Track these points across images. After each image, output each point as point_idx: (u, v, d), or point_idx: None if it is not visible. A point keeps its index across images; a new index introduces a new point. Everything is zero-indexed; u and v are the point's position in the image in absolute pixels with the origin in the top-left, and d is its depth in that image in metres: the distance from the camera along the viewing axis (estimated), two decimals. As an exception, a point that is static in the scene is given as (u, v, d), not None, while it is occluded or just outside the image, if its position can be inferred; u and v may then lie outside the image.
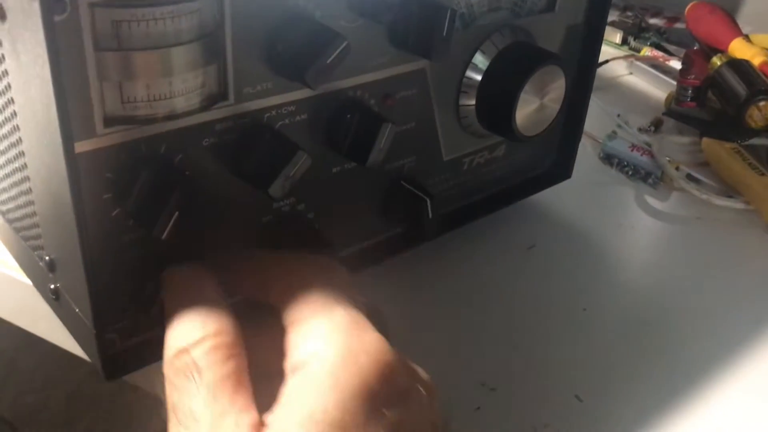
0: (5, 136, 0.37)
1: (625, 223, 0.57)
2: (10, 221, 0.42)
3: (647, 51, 0.83)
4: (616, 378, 0.43)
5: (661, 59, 0.81)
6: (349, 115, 0.40)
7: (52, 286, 0.38)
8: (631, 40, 0.86)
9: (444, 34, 0.39)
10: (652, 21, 0.89)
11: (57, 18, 0.28)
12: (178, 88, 0.33)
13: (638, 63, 0.80)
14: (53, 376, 1.38)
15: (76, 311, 0.36)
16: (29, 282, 0.43)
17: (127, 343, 0.37)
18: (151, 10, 0.31)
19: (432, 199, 0.44)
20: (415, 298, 0.47)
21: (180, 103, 0.33)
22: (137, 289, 0.36)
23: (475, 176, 0.51)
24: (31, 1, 0.28)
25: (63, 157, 0.30)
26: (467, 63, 0.45)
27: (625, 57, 0.81)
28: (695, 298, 0.49)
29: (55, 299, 0.38)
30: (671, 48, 0.84)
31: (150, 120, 0.33)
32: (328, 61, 0.35)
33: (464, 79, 0.45)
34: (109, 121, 0.32)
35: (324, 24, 0.36)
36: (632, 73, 0.81)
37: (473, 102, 0.46)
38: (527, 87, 0.44)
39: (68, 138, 0.30)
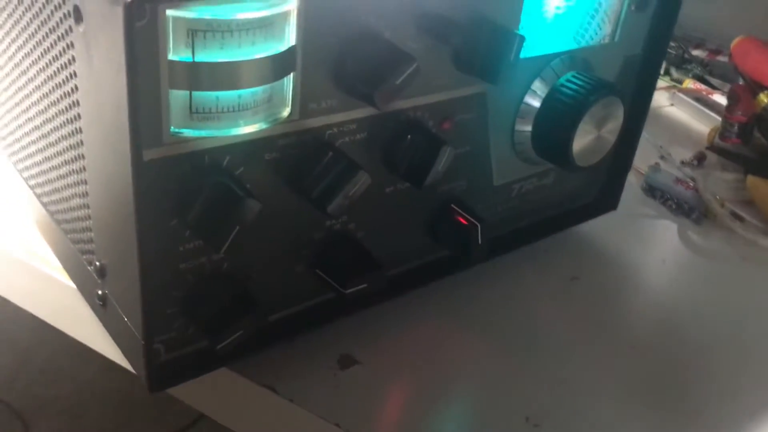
0: (65, 137, 0.37)
1: (669, 260, 0.56)
2: (58, 222, 0.41)
3: (689, 83, 0.82)
4: (655, 417, 0.42)
5: (704, 92, 0.80)
6: (408, 137, 0.39)
7: (100, 292, 0.37)
8: (673, 70, 0.85)
9: (511, 59, 0.38)
10: (695, 52, 0.89)
11: (137, 24, 0.28)
12: (247, 101, 0.32)
13: (680, 95, 0.79)
14: (65, 370, 1.37)
15: (124, 320, 0.36)
16: (71, 284, 0.43)
17: (172, 355, 0.36)
18: (227, 21, 0.30)
19: (483, 224, 0.43)
20: (457, 325, 0.46)
21: (247, 116, 0.33)
22: (189, 300, 0.35)
23: (523, 203, 0.50)
24: (112, 6, 0.28)
25: (130, 164, 0.30)
26: (526, 89, 0.44)
27: (667, 88, 0.80)
28: (736, 343, 0.48)
29: (101, 305, 0.38)
30: (714, 81, 0.83)
31: (216, 131, 0.32)
32: (398, 83, 0.34)
33: (522, 105, 0.45)
34: (176, 131, 0.31)
35: (394, 44, 0.35)
36: (674, 105, 0.80)
37: (529, 128, 0.45)
38: (586, 117, 0.43)
39: (137, 145, 0.30)
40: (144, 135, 0.30)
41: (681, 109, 0.79)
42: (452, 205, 0.44)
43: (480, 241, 0.44)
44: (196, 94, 0.31)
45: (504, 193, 0.48)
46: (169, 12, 0.29)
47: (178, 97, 0.31)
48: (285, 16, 0.32)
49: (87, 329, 0.42)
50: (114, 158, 0.31)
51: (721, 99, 0.78)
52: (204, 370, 0.38)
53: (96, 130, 0.33)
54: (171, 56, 0.30)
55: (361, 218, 0.41)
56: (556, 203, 0.53)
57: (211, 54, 0.30)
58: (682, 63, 0.86)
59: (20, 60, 0.40)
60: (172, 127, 0.31)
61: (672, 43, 0.88)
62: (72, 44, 0.32)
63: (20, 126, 0.43)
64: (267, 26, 0.31)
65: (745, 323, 0.50)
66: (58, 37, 0.33)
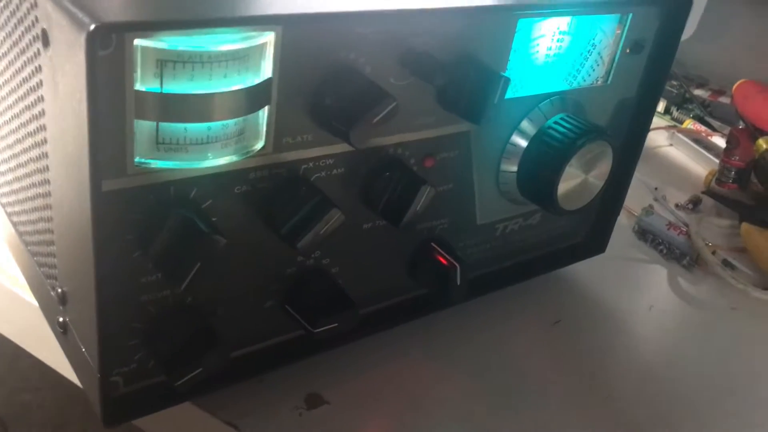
0: (33, 160, 0.36)
1: (656, 306, 0.54)
2: (26, 243, 0.41)
3: (690, 123, 0.81)
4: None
5: (703, 134, 0.79)
6: (387, 174, 0.38)
7: (61, 319, 0.36)
8: (673, 109, 0.84)
9: (496, 100, 0.37)
10: (697, 92, 0.88)
11: (101, 53, 0.27)
12: (217, 133, 0.31)
13: (680, 135, 0.78)
14: (50, 377, 1.36)
15: (82, 349, 0.34)
16: (35, 303, 0.42)
17: (130, 388, 0.35)
18: (198, 52, 0.29)
19: (462, 265, 0.42)
20: (433, 366, 0.45)
21: (216, 148, 0.32)
22: (149, 333, 0.34)
23: (507, 243, 0.49)
24: (77, 34, 0.27)
25: (89, 194, 0.29)
26: (513, 128, 0.43)
27: (667, 128, 0.79)
28: (723, 396, 0.47)
29: (62, 332, 0.37)
30: (714, 123, 0.82)
31: (183, 163, 0.31)
32: (374, 121, 0.33)
33: (508, 145, 0.44)
34: (141, 162, 0.30)
35: (373, 81, 0.34)
36: (673, 145, 0.79)
37: (515, 168, 0.44)
38: (573, 161, 0.42)
39: (97, 175, 0.29)
40: (106, 165, 0.29)
41: (680, 149, 0.78)
42: (432, 243, 0.43)
43: (459, 283, 0.42)
44: (163, 125, 0.30)
45: (487, 233, 0.47)
46: (138, 42, 0.28)
47: (144, 127, 0.30)
48: (261, 48, 0.31)
49: (52, 351, 0.41)
50: (75, 187, 0.30)
51: (720, 141, 0.77)
52: (164, 405, 0.36)
53: (60, 156, 0.32)
54: (138, 86, 0.29)
55: (336, 254, 0.40)
56: (541, 244, 0.51)
57: (180, 85, 0.29)
58: (683, 102, 0.85)
59: (-5, 77, 0.39)
60: (137, 158, 0.30)
61: (674, 82, 0.87)
62: (40, 68, 0.31)
63: (-6, 142, 0.42)
64: (241, 58, 0.30)
65: (730, 374, 0.49)
66: (28, 59, 0.33)
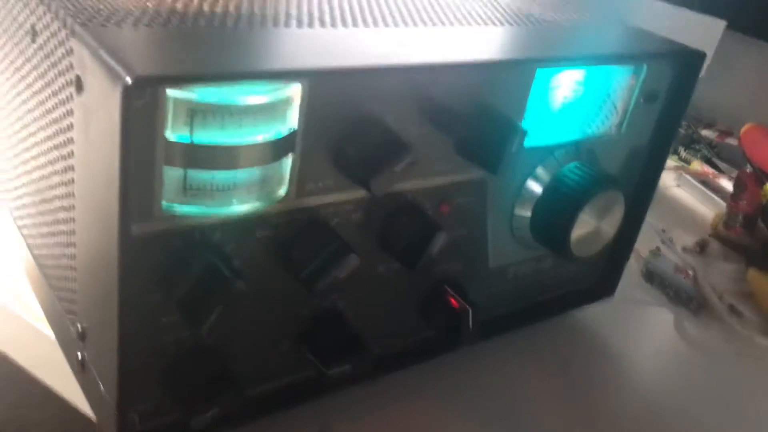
0: (59, 198, 0.36)
1: (664, 351, 0.55)
2: (47, 276, 0.41)
3: (697, 164, 0.82)
4: None
5: (711, 176, 0.80)
6: (404, 219, 0.39)
7: (80, 355, 0.37)
8: (681, 149, 0.85)
9: (513, 151, 0.38)
10: (704, 132, 0.89)
11: (135, 103, 0.28)
12: (243, 180, 0.32)
13: (687, 176, 0.79)
14: (53, 393, 1.36)
15: (100, 386, 0.35)
16: (51, 334, 0.42)
17: (147, 426, 0.36)
18: (228, 105, 0.30)
19: (474, 308, 0.43)
20: (443, 407, 0.45)
21: (241, 195, 0.32)
22: (167, 372, 0.35)
23: (518, 286, 0.50)
24: (113, 84, 0.27)
25: (116, 237, 0.30)
26: (528, 175, 0.44)
27: (674, 168, 0.80)
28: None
29: (80, 368, 0.37)
30: (722, 164, 0.83)
31: (209, 209, 0.32)
32: (395, 171, 0.34)
33: (523, 191, 0.44)
34: (168, 206, 0.31)
35: (394, 132, 0.35)
36: (680, 186, 0.80)
37: (529, 214, 0.45)
38: (587, 209, 0.43)
39: (125, 219, 0.30)
40: (134, 209, 0.30)
41: (687, 191, 0.79)
42: (445, 286, 0.44)
43: (471, 326, 0.43)
44: (191, 171, 0.31)
45: (499, 276, 0.48)
46: (170, 92, 0.29)
47: (172, 173, 0.31)
48: (288, 100, 0.32)
49: (67, 383, 0.41)
50: (102, 229, 0.31)
51: (727, 183, 0.78)
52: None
53: (88, 197, 0.33)
54: (168, 135, 0.30)
55: (351, 295, 0.40)
56: (552, 287, 0.52)
57: (210, 135, 0.30)
58: (691, 143, 0.86)
59: (23, 114, 0.40)
60: (164, 202, 0.31)
61: (682, 122, 0.88)
62: (72, 111, 0.32)
63: (19, 176, 0.43)
64: (269, 110, 0.31)
65: (735, 420, 0.49)
66: (60, 101, 0.33)
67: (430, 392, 0.46)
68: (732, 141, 0.86)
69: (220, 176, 0.31)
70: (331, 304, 0.40)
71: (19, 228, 0.45)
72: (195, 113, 0.30)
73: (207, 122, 0.30)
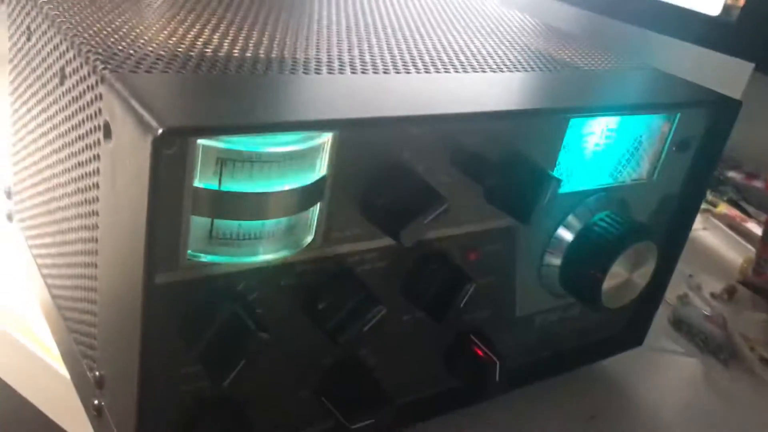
0: (80, 241, 0.36)
1: (693, 405, 0.53)
2: (65, 318, 0.40)
3: (724, 208, 0.81)
4: None
5: (737, 219, 0.79)
6: (431, 268, 0.38)
7: (96, 402, 0.36)
8: (707, 192, 0.84)
9: (545, 202, 0.37)
10: (731, 174, 0.87)
11: (165, 152, 0.27)
12: (270, 230, 0.31)
13: (714, 220, 0.78)
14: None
15: (117, 438, 0.34)
16: (66, 374, 0.41)
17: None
18: (258, 153, 0.29)
19: (502, 361, 0.41)
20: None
21: (268, 244, 0.32)
22: (185, 425, 0.34)
23: (544, 334, 0.48)
24: (143, 134, 0.27)
25: (141, 287, 0.29)
26: (559, 222, 0.43)
27: (701, 211, 0.79)
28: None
29: (96, 416, 0.36)
30: (749, 209, 0.81)
31: (235, 258, 0.31)
32: (426, 221, 0.33)
33: (552, 239, 0.43)
34: (194, 255, 0.30)
35: (425, 181, 0.34)
36: (706, 229, 0.78)
37: (558, 262, 0.44)
38: (619, 260, 0.42)
39: (151, 268, 0.29)
40: (159, 258, 0.29)
41: (714, 234, 0.77)
42: (471, 336, 0.43)
43: (497, 379, 0.42)
44: (218, 221, 0.30)
45: (526, 324, 0.46)
46: (200, 141, 0.28)
47: (199, 222, 0.30)
48: (318, 149, 0.31)
49: (81, 425, 0.40)
50: (125, 277, 0.30)
51: (755, 228, 0.76)
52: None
53: (112, 244, 0.32)
54: (197, 183, 0.29)
55: (375, 345, 0.39)
56: (579, 336, 0.50)
57: (238, 183, 0.29)
58: (717, 185, 0.85)
59: (49, 153, 0.40)
60: (189, 251, 0.30)
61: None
62: (98, 156, 0.32)
63: (41, 214, 0.42)
64: (299, 158, 0.31)
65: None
66: (87, 146, 0.33)
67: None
68: (758, 183, 0.85)
69: (247, 225, 0.31)
70: (354, 354, 0.39)
71: (39, 267, 0.44)
72: (224, 162, 0.29)
73: (236, 171, 0.29)
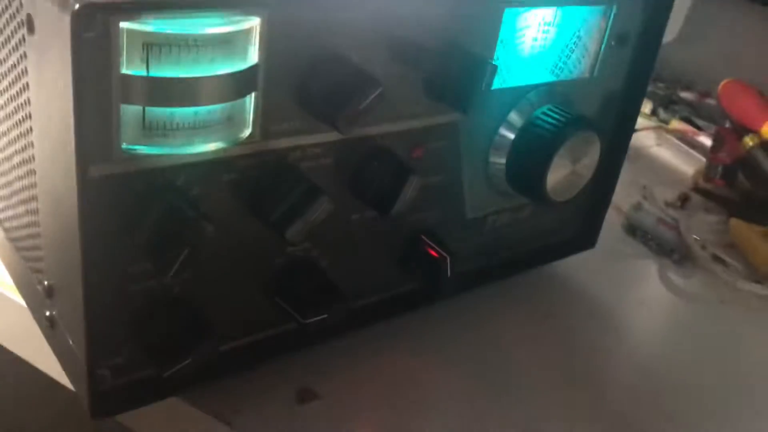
0: (18, 152, 0.35)
1: (647, 301, 0.54)
2: (12, 239, 0.40)
3: (676, 124, 0.82)
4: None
5: (690, 133, 0.80)
6: (375, 163, 0.38)
7: (48, 313, 0.36)
8: (660, 111, 0.85)
9: (483, 88, 0.37)
10: (683, 94, 0.88)
11: (86, 35, 0.27)
12: (204, 119, 0.31)
13: (667, 135, 0.79)
14: (26, 362, 1.32)
15: (70, 343, 0.34)
16: (22, 303, 0.41)
17: (119, 381, 0.35)
18: (185, 36, 0.29)
19: (452, 257, 0.42)
20: (424, 362, 0.44)
21: (203, 134, 0.32)
22: (137, 324, 0.34)
23: (497, 236, 0.49)
24: (61, 16, 0.27)
25: (75, 180, 0.29)
26: (501, 120, 0.44)
27: (654, 128, 0.80)
28: (713, 387, 0.47)
29: (49, 327, 0.36)
30: (701, 123, 0.83)
31: (170, 149, 0.31)
32: (361, 107, 0.33)
33: (496, 137, 0.44)
34: (128, 148, 0.30)
35: (360, 67, 0.34)
36: (660, 145, 0.79)
37: (503, 160, 0.44)
38: (562, 151, 0.42)
39: (83, 160, 0.29)
40: (92, 150, 0.29)
41: (667, 149, 0.79)
42: (422, 236, 0.43)
43: (449, 275, 0.42)
44: (149, 109, 0.30)
45: (477, 226, 0.47)
46: (123, 25, 0.28)
47: (130, 112, 0.30)
48: (247, 33, 0.31)
49: (35, 350, 0.40)
50: (61, 174, 0.30)
51: (706, 140, 0.78)
52: (153, 399, 0.36)
53: (46, 144, 0.32)
54: (124, 70, 0.29)
55: (325, 245, 0.40)
56: (532, 238, 0.51)
57: (166, 69, 0.29)
58: (670, 104, 0.86)
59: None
60: (123, 144, 0.30)
61: (660, 84, 0.88)
62: (25, 55, 0.31)
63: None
64: (227, 43, 0.30)
65: (721, 368, 0.48)
66: (13, 47, 0.33)
67: (411, 345, 0.45)
68: (711, 101, 0.86)
69: (180, 114, 0.30)
70: (304, 254, 0.39)
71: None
72: (151, 47, 0.29)
73: (163, 56, 0.29)
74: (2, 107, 0.36)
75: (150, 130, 0.30)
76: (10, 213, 0.39)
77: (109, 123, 0.29)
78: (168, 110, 0.30)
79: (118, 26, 0.28)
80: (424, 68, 0.37)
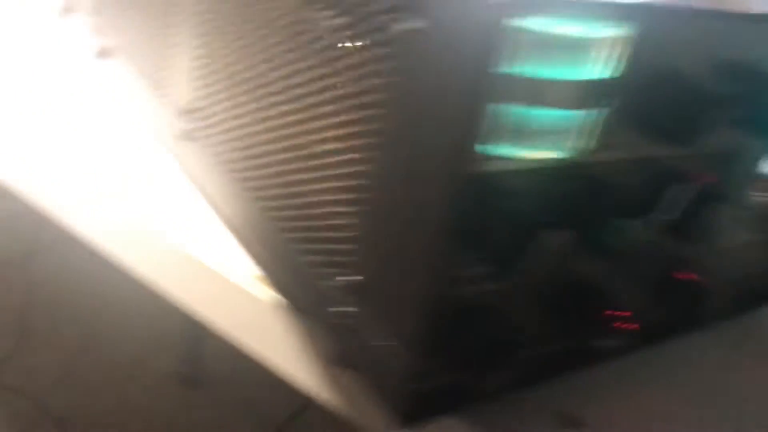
0: (342, 151, 0.34)
1: None
2: (281, 229, 0.39)
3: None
4: None
5: None
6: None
7: (345, 310, 0.34)
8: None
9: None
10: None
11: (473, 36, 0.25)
12: (566, 124, 0.30)
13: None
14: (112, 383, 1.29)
15: (375, 344, 0.32)
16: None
17: (427, 387, 0.33)
18: (568, 37, 0.28)
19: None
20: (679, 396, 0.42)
21: (552, 140, 0.30)
22: (456, 329, 0.32)
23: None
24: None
25: (436, 178, 0.28)
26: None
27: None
28: None
29: (342, 325, 0.35)
30: None
31: (522, 150, 0.30)
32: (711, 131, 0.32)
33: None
34: (487, 148, 0.29)
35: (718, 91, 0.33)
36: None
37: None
38: None
39: (451, 160, 0.28)
40: (456, 150, 0.28)
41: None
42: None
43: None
44: (509, 109, 0.28)
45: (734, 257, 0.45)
46: (511, 22, 0.26)
47: (492, 111, 0.28)
48: (618, 42, 0.30)
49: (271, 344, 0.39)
50: (409, 170, 0.29)
51: None
52: (454, 407, 0.34)
53: (396, 137, 0.30)
54: (500, 69, 0.27)
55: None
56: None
57: (541, 69, 0.28)
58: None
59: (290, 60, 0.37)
60: (482, 144, 0.28)
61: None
62: (388, 42, 0.30)
63: (254, 132, 0.40)
64: (597, 49, 0.29)
65: None
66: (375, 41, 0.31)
67: (666, 378, 0.43)
68: None
69: (539, 116, 0.29)
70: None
71: (238, 183, 0.42)
72: (530, 45, 0.27)
73: (541, 55, 0.28)
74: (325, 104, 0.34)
75: (505, 132, 0.29)
76: (284, 203, 0.38)
77: (474, 121, 0.28)
78: (527, 111, 0.29)
79: (506, 24, 0.26)
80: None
